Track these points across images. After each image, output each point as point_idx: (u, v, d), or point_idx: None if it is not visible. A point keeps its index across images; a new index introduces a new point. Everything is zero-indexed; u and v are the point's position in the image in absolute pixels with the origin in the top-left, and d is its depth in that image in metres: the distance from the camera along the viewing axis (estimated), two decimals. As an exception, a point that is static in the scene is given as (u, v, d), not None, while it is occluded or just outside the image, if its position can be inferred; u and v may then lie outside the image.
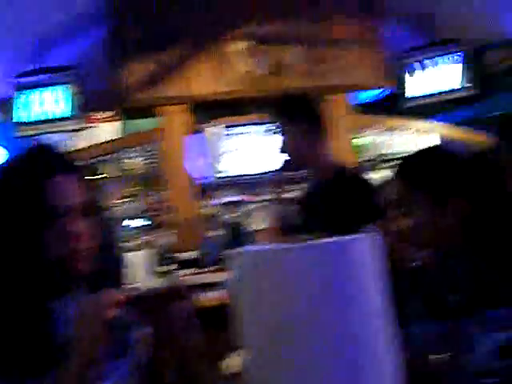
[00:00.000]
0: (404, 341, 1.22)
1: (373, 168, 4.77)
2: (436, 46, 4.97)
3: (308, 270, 0.72)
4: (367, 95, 5.01)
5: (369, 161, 4.88)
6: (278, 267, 0.73)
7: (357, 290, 0.73)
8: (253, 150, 4.66)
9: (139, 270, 3.93)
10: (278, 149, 2.49)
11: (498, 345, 1.13)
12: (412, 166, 1.30)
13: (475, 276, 1.22)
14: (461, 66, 4.89)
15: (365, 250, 0.75)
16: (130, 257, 3.77)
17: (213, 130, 4.64)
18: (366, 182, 2.49)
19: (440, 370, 1.18)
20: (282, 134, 2.46)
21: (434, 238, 1.23)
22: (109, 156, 4.57)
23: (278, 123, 2.48)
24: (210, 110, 4.64)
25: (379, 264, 0.77)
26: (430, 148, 1.39)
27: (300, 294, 0.72)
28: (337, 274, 0.72)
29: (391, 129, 4.97)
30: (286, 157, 2.48)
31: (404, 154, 1.36)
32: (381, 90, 4.89)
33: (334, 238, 0.77)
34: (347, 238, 0.76)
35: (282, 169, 2.73)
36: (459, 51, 4.90)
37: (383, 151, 4.92)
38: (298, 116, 2.44)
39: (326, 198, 2.37)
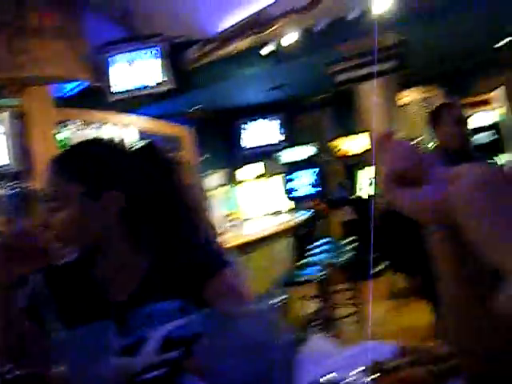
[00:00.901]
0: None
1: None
2: (136, 40, 5.09)
3: None
4: (70, 88, 4.96)
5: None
6: None
7: None
8: None
9: None
10: None
11: (162, 338, 1.16)
12: (65, 158, 1.26)
13: (136, 272, 1.22)
14: (160, 61, 5.09)
15: None
16: None
17: None
18: None
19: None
20: None
21: (87, 232, 1.20)
22: None
23: None
24: None
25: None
26: (86, 141, 1.34)
27: None
28: None
29: (94, 122, 4.99)
30: None
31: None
32: (81, 82, 4.87)
33: None
34: None
35: None
36: (158, 47, 5.10)
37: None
38: None
39: None
